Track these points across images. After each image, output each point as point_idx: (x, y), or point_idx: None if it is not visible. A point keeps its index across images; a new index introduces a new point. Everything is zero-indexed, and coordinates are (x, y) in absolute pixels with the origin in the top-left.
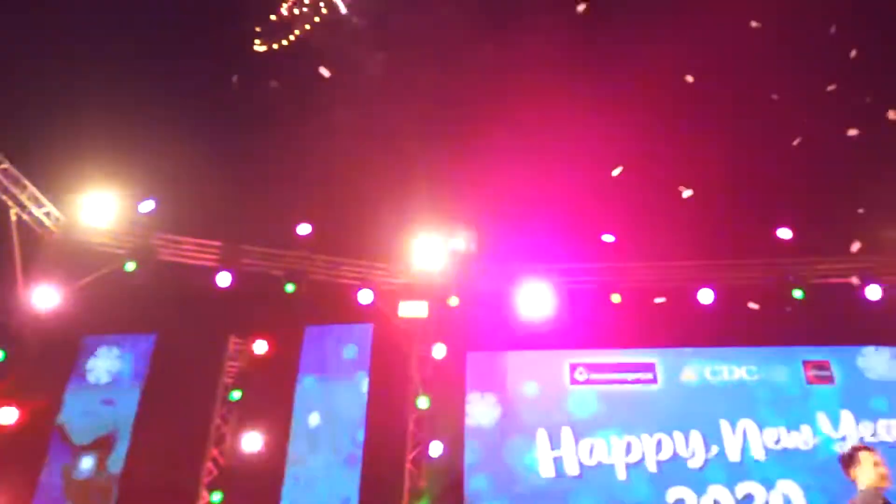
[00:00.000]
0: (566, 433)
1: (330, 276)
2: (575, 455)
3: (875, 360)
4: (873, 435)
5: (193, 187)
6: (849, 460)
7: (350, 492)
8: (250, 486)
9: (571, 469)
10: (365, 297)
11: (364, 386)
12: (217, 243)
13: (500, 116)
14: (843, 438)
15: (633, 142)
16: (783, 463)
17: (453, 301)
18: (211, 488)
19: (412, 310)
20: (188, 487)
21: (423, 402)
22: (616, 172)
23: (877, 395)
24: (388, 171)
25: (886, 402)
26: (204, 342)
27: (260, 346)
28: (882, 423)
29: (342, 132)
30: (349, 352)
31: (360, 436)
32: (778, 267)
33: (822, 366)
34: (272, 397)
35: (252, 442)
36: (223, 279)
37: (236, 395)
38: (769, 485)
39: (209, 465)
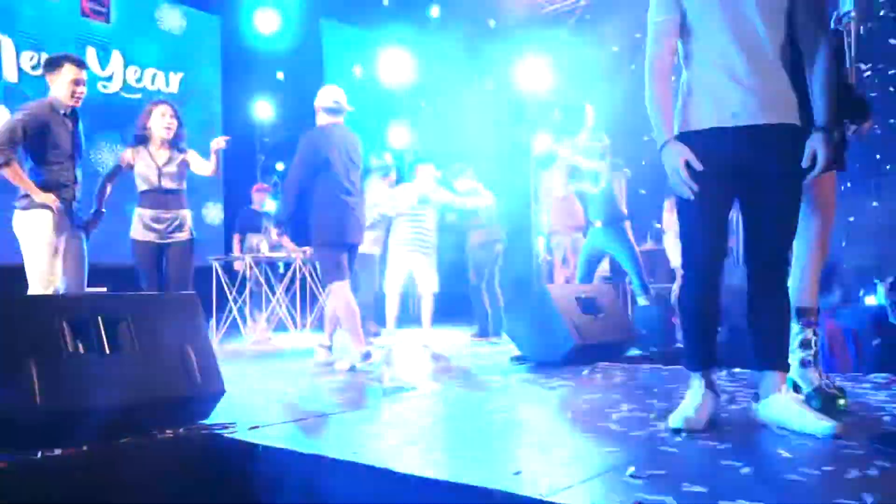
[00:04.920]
0: None
1: None
2: None
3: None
4: (139, 80)
5: None
6: (52, 65)
7: None
8: None
9: None
10: None
11: None
12: None
13: None
14: (111, 77)
15: None
16: (35, 86)
17: None
18: None
19: None
20: None
21: None
22: None
23: (150, 47)
24: None
25: (157, 55)
26: None
27: None
28: (149, 70)
29: None
30: None
31: None
32: None
33: (101, 1)
34: None
35: None
36: None
37: None
38: None
39: None
